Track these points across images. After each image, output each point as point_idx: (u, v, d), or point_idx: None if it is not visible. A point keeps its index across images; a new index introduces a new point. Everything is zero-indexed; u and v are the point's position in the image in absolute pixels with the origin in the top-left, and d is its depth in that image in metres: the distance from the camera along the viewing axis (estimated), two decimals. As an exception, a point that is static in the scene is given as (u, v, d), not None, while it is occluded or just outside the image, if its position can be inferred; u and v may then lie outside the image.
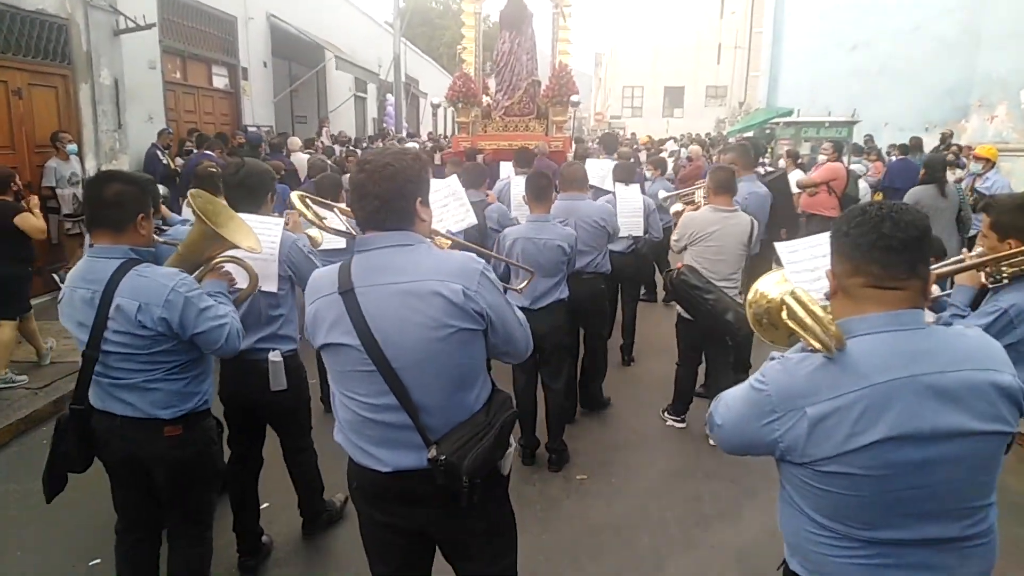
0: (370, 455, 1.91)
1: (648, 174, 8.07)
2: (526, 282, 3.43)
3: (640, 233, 5.72)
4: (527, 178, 4.51)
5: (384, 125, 22.32)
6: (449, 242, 2.40)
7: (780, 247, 2.28)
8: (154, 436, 2.45)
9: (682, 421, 4.95)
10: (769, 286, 2.03)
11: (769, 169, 9.51)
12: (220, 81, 12.92)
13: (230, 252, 2.69)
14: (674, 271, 4.47)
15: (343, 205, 2.52)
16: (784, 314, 1.60)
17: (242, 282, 2.82)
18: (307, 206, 2.41)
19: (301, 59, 16.95)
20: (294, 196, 2.34)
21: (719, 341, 4.64)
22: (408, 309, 1.79)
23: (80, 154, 8.36)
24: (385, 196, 1.81)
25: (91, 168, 8.64)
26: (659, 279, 7.83)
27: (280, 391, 3.06)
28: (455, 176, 4.86)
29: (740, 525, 3.76)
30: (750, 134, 22.24)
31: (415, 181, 1.86)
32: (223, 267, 2.71)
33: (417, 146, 11.88)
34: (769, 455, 1.58)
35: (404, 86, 24.10)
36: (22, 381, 5.48)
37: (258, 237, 2.80)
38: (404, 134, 20.39)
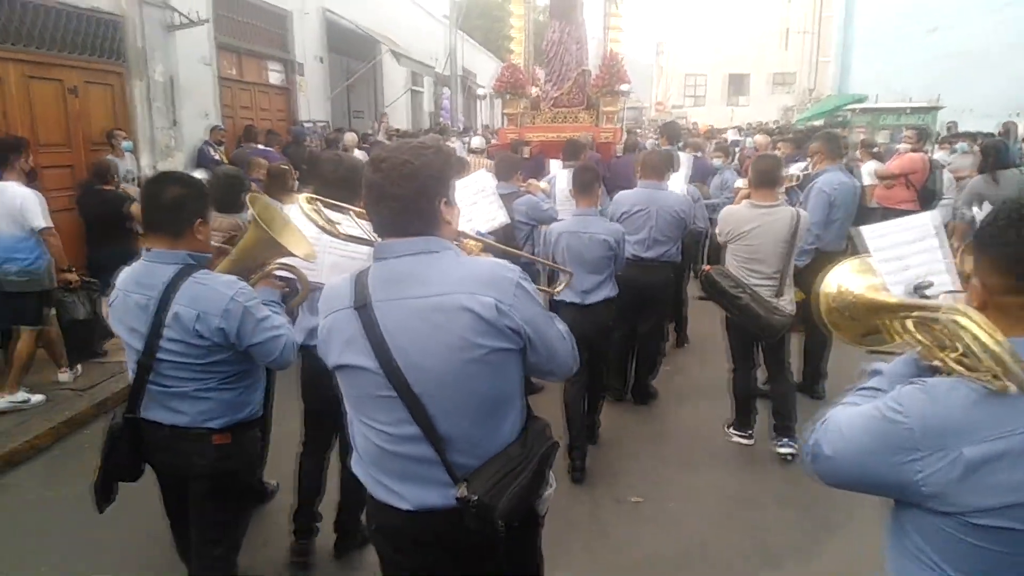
0: (391, 491, 1.71)
1: (718, 162, 7.64)
2: (563, 284, 3.26)
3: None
4: (573, 171, 4.41)
5: (441, 119, 22.21)
6: (480, 245, 2.18)
7: (865, 231, 2.04)
8: (202, 447, 2.39)
9: (749, 437, 4.53)
10: (847, 277, 1.76)
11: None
12: (275, 77, 12.92)
13: (285, 259, 2.61)
14: (704, 272, 4.34)
15: (357, 208, 2.30)
16: (908, 327, 1.40)
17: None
18: (317, 210, 2.12)
19: (356, 53, 16.92)
20: (302, 198, 2.10)
21: (771, 346, 4.34)
22: (432, 326, 1.59)
23: (135, 151, 8.40)
24: (405, 197, 1.62)
25: (146, 166, 8.68)
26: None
27: None
28: (483, 170, 4.54)
29: (814, 564, 3.35)
30: (820, 122, 21.29)
31: (438, 178, 1.66)
32: (275, 275, 2.63)
33: (482, 140, 11.58)
34: (897, 497, 1.33)
35: (460, 79, 23.96)
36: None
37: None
38: (460, 127, 20.22)
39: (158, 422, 2.38)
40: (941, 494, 1.24)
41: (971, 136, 10.01)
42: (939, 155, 9.55)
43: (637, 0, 10.41)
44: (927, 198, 7.86)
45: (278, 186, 4.97)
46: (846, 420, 1.39)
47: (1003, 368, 1.20)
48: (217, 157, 9.50)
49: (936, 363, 1.37)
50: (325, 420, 3.30)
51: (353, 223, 2.17)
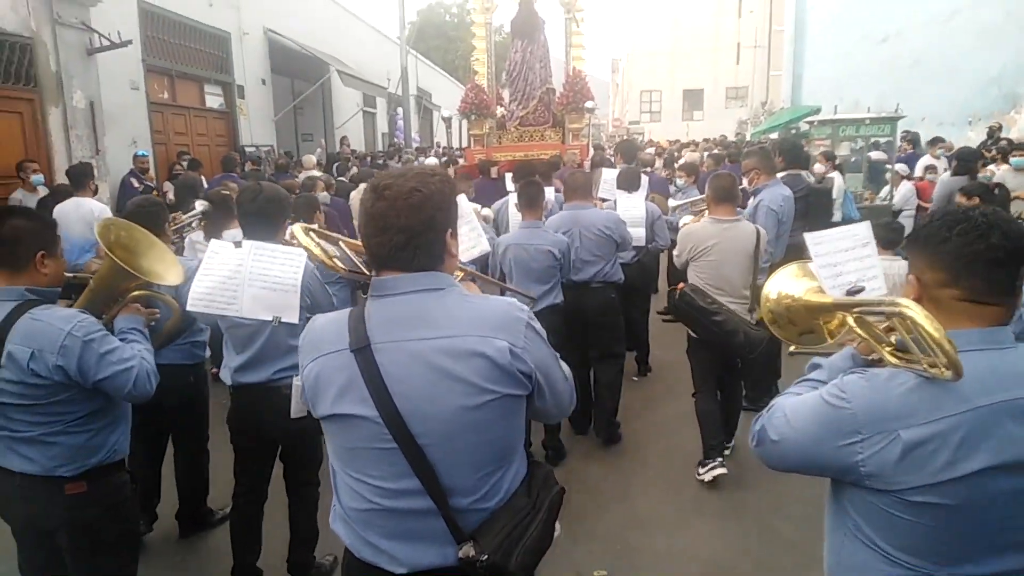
0: (380, 551, 1.55)
1: (680, 181, 7.32)
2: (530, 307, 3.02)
3: (643, 243, 5.48)
4: (519, 187, 4.54)
5: (396, 140, 21.74)
6: (462, 274, 2.04)
7: (809, 237, 2.14)
8: (54, 496, 2.26)
9: (721, 465, 4.10)
10: (786, 282, 1.85)
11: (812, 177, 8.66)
12: (214, 100, 12.33)
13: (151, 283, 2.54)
14: (676, 291, 4.18)
15: (348, 238, 2.24)
16: (849, 323, 1.55)
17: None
18: (313, 241, 2.08)
19: (304, 75, 16.38)
20: (298, 228, 2.11)
21: (733, 365, 4.33)
22: (440, 372, 1.46)
23: (50, 184, 7.72)
24: (412, 229, 1.49)
25: (64, 198, 8.01)
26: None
27: (300, 418, 2.83)
28: (463, 195, 4.15)
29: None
30: (774, 135, 21.31)
31: (445, 209, 1.55)
32: (143, 299, 2.54)
33: (435, 160, 11.50)
34: (837, 478, 1.45)
35: (416, 99, 23.55)
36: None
37: (281, 267, 2.75)
38: (414, 148, 19.75)
39: (8, 469, 2.24)
40: (879, 474, 1.36)
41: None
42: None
43: (592, 19, 10.62)
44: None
45: (221, 213, 4.75)
46: (791, 407, 1.50)
47: (943, 353, 1.28)
48: (142, 187, 8.75)
49: (873, 357, 1.50)
50: (258, 467, 3.17)
51: (346, 255, 2.06)
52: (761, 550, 3.49)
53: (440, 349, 1.46)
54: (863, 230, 2.02)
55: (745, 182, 5.01)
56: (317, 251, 1.96)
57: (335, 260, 2.01)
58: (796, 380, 1.61)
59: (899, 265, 5.07)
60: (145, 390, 2.28)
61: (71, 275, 2.52)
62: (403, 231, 1.47)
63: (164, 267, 2.51)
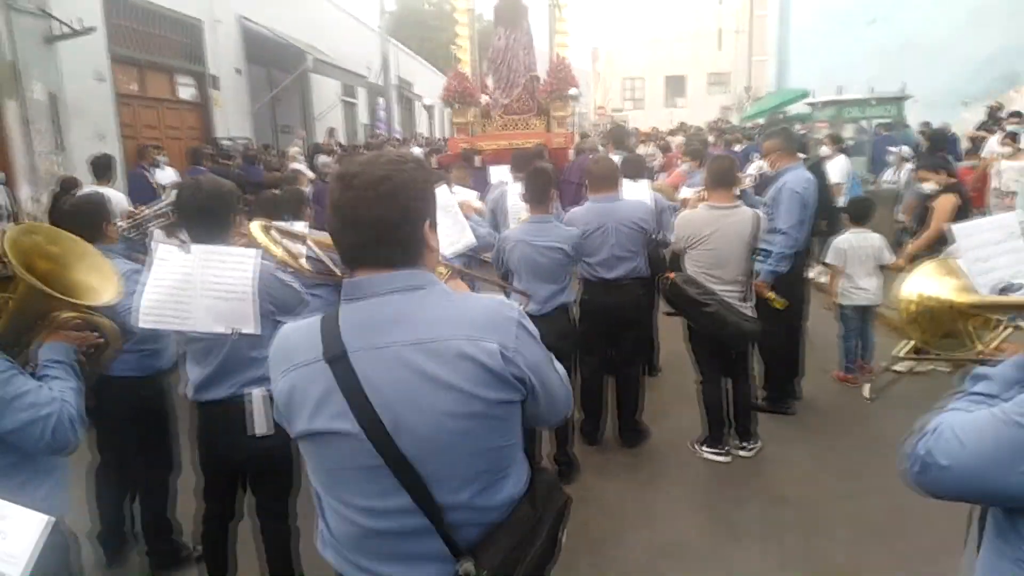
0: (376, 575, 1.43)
1: (685, 166, 7.02)
2: (522, 306, 2.78)
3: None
4: (526, 176, 4.12)
5: (377, 131, 21.22)
6: (447, 271, 1.84)
7: (957, 229, 2.02)
8: None
9: (724, 453, 4.21)
10: (927, 282, 1.71)
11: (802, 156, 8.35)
12: (186, 91, 11.77)
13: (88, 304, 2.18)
14: (667, 279, 4.12)
15: (319, 234, 1.99)
16: None
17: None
18: (273, 240, 1.87)
19: (281, 64, 15.78)
20: (255, 227, 1.90)
21: (734, 353, 4.20)
22: (425, 378, 1.31)
23: (10, 182, 7.20)
24: (385, 222, 1.33)
25: (25, 198, 7.50)
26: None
27: (265, 438, 2.59)
28: (444, 185, 3.76)
29: None
30: (761, 120, 21.05)
31: (422, 199, 1.39)
32: (74, 322, 2.16)
33: (420, 151, 11.15)
34: (1019, 506, 1.23)
35: (396, 89, 23.02)
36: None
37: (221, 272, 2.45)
38: (399, 138, 19.24)
39: None
40: None
41: None
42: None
43: (572, 7, 10.54)
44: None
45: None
46: (962, 428, 1.31)
47: None
48: (154, 183, 8.12)
49: None
50: (225, 487, 2.89)
51: (314, 253, 1.85)
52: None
53: (424, 353, 1.32)
54: (1013, 220, 1.87)
55: (766, 165, 4.73)
56: (279, 252, 1.77)
57: (301, 261, 1.81)
58: (954, 393, 1.41)
59: (871, 237, 5.18)
60: (66, 440, 1.91)
61: None
62: (375, 224, 1.33)
63: (100, 279, 2.14)
